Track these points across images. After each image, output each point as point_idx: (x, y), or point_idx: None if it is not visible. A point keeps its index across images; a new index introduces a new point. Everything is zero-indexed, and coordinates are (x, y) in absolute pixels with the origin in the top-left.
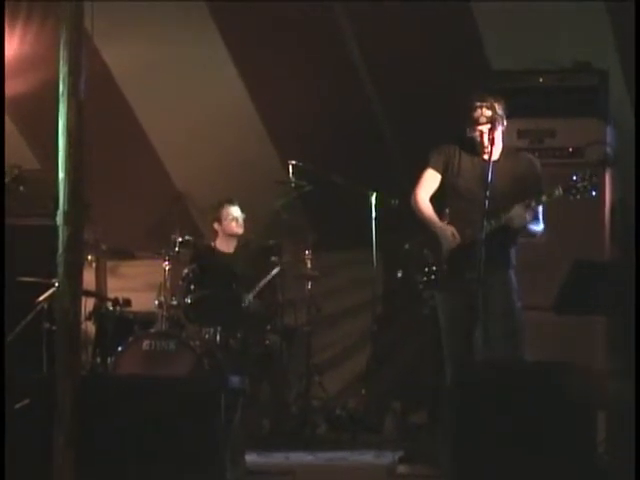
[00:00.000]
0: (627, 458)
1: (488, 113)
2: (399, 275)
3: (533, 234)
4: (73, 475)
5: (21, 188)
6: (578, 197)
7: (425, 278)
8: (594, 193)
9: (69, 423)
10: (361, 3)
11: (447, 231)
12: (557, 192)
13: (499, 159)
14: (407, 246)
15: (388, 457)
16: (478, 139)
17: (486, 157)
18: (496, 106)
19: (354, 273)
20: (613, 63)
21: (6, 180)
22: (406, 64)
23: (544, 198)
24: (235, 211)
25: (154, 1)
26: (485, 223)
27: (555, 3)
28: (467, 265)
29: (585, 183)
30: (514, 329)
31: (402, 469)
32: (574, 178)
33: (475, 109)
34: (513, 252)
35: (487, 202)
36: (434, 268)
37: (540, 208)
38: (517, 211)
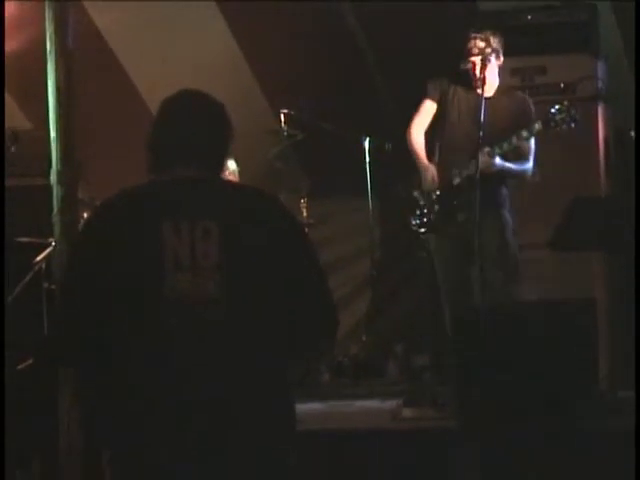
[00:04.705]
0: (628, 394)
1: (481, 44)
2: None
3: (519, 174)
4: (80, 435)
5: (13, 149)
6: (558, 129)
7: (418, 222)
8: (573, 125)
9: (74, 383)
10: None
11: (428, 173)
12: (536, 126)
13: (494, 96)
14: (399, 188)
15: (392, 401)
16: (471, 71)
17: (480, 92)
18: (491, 39)
19: (351, 220)
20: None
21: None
22: (394, 8)
23: (525, 134)
24: (229, 165)
25: None
26: (454, 171)
27: None
28: (457, 206)
29: (563, 115)
30: (509, 266)
31: (407, 412)
32: (552, 111)
33: (469, 40)
34: (504, 191)
35: (480, 140)
36: (426, 211)
37: (532, 147)
38: (481, 159)
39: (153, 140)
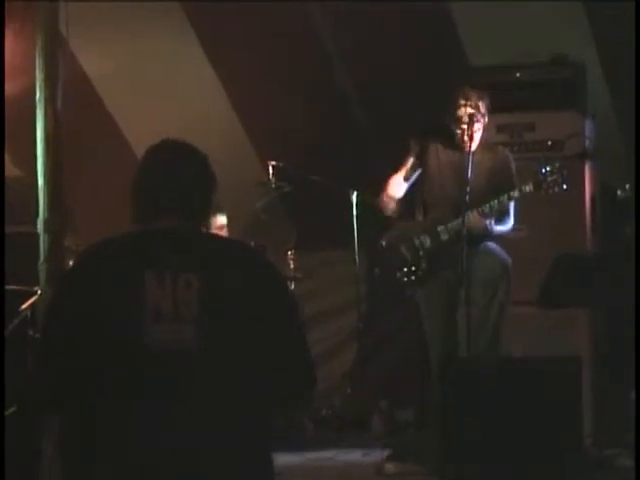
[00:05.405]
0: (614, 451)
1: (470, 112)
2: (377, 272)
3: (502, 234)
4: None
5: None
6: (550, 192)
7: (405, 278)
8: (565, 187)
9: (57, 431)
10: (339, 2)
11: None
12: (527, 188)
13: (475, 152)
14: (383, 243)
15: (376, 455)
16: (458, 135)
17: (464, 149)
18: (480, 104)
19: (337, 273)
20: (591, 55)
21: None
22: (385, 62)
23: (514, 194)
24: (220, 220)
25: (129, 1)
26: (441, 228)
27: None
28: (445, 261)
29: (555, 177)
30: (496, 319)
31: (390, 467)
32: (543, 171)
33: (459, 107)
34: (491, 245)
35: (467, 195)
36: (413, 268)
37: (511, 205)
38: (471, 219)
39: (136, 190)
